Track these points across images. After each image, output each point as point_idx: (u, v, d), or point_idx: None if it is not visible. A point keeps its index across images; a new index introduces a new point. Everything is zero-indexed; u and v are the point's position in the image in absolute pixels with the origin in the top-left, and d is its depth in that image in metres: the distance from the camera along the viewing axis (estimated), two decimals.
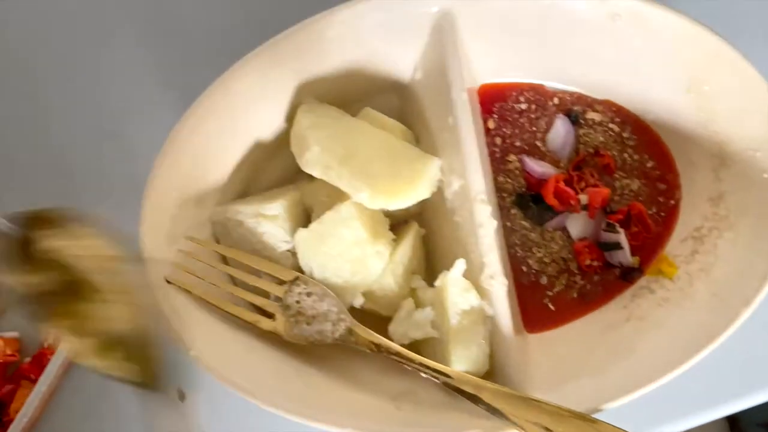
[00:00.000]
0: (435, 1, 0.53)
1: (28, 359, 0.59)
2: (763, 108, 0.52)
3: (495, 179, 0.59)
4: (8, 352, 0.59)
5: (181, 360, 0.60)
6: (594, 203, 0.57)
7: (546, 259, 0.58)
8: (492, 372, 0.51)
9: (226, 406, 0.61)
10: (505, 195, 0.59)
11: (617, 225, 0.57)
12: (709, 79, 0.55)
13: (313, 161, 0.52)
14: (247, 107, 0.53)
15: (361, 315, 0.53)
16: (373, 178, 0.51)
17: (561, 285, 0.58)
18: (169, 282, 0.50)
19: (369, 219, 0.53)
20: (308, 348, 0.52)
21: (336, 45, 0.53)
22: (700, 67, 0.54)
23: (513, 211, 0.59)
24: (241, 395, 0.47)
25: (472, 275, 0.52)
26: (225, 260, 0.55)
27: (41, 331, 0.58)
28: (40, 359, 0.59)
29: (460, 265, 0.51)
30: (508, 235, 0.58)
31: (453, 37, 0.53)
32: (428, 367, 0.49)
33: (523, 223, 0.59)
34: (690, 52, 0.54)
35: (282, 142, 0.57)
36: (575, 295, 0.58)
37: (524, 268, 0.58)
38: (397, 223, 0.58)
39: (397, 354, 0.50)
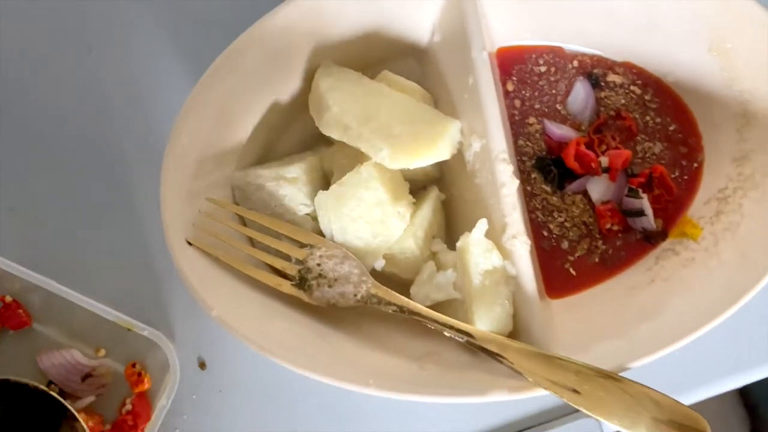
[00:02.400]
0: None
1: (108, 426, 0.57)
2: None
3: (515, 142, 0.59)
4: (90, 423, 0.56)
5: (202, 329, 0.60)
6: (615, 165, 0.57)
7: (567, 224, 0.58)
8: (515, 333, 0.51)
9: (246, 374, 0.61)
10: (525, 158, 0.58)
11: (640, 190, 0.56)
12: (732, 37, 0.54)
13: (332, 122, 0.51)
14: (264, 71, 0.53)
15: (382, 278, 0.53)
16: (394, 138, 0.50)
17: (582, 250, 0.57)
18: (190, 244, 0.49)
19: (389, 180, 0.52)
20: (331, 311, 0.51)
21: (352, 7, 0.53)
22: (722, 25, 0.54)
23: (533, 175, 0.58)
24: (262, 355, 0.47)
25: (494, 236, 0.51)
26: (244, 223, 0.55)
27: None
28: (121, 426, 0.57)
29: (482, 225, 0.50)
30: (528, 199, 0.58)
31: None
32: (451, 327, 0.48)
33: (544, 187, 0.58)
34: (712, 10, 0.53)
35: (300, 107, 0.56)
36: (597, 260, 0.57)
37: (545, 233, 0.58)
38: (416, 188, 0.57)
39: (419, 314, 0.49)
